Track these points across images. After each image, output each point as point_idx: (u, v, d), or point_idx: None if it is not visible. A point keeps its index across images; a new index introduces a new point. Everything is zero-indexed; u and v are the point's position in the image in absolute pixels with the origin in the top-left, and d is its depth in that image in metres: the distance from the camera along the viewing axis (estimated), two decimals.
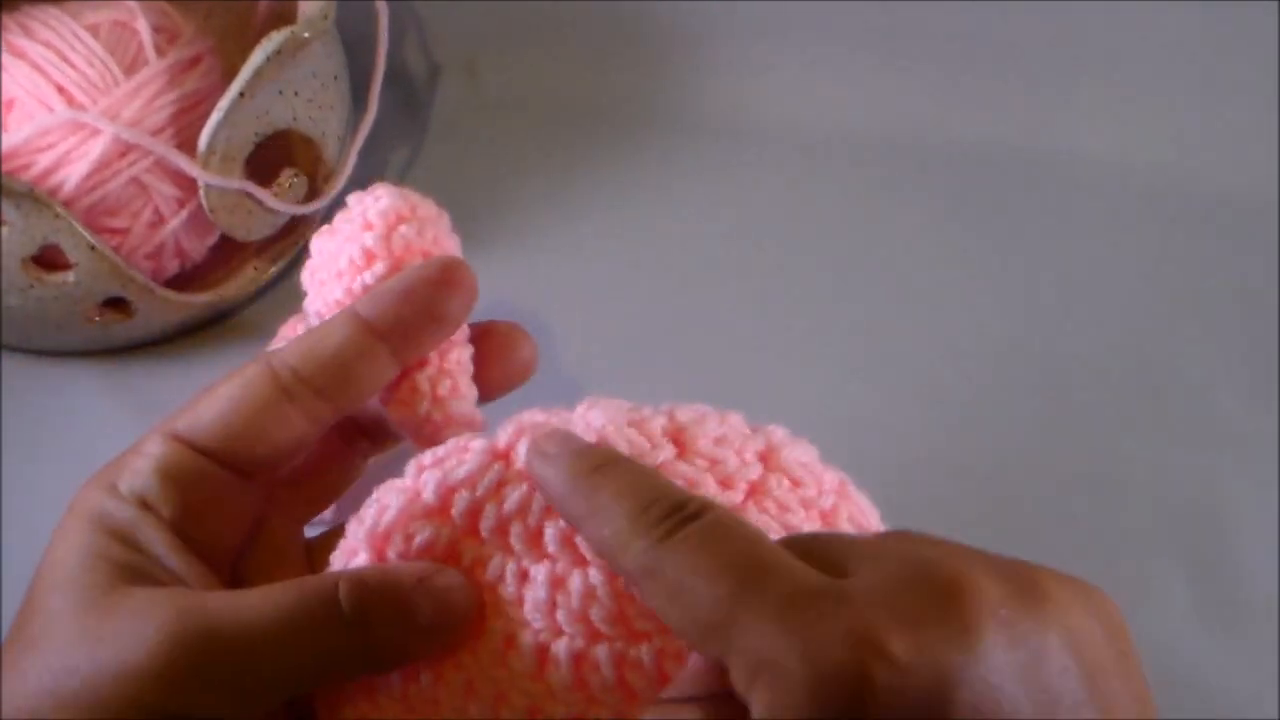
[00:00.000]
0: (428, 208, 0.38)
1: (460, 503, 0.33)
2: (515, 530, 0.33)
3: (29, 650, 0.31)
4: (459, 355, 0.37)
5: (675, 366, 0.52)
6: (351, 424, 0.38)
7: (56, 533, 0.33)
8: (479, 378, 0.38)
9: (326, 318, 0.36)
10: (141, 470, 0.33)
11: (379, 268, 0.36)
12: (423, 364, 0.36)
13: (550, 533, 0.33)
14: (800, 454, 0.35)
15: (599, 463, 0.31)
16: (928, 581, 0.26)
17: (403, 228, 0.37)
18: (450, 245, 0.38)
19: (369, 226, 0.37)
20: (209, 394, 0.34)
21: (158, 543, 0.32)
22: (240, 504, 0.34)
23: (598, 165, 0.60)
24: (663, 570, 0.27)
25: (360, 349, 0.34)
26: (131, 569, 0.32)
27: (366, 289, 0.36)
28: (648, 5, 0.62)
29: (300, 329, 0.47)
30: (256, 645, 0.30)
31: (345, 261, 0.37)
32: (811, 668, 0.25)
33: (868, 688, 0.24)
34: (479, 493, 0.33)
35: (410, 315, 0.34)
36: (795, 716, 0.25)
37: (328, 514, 0.40)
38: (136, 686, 0.30)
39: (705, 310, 0.55)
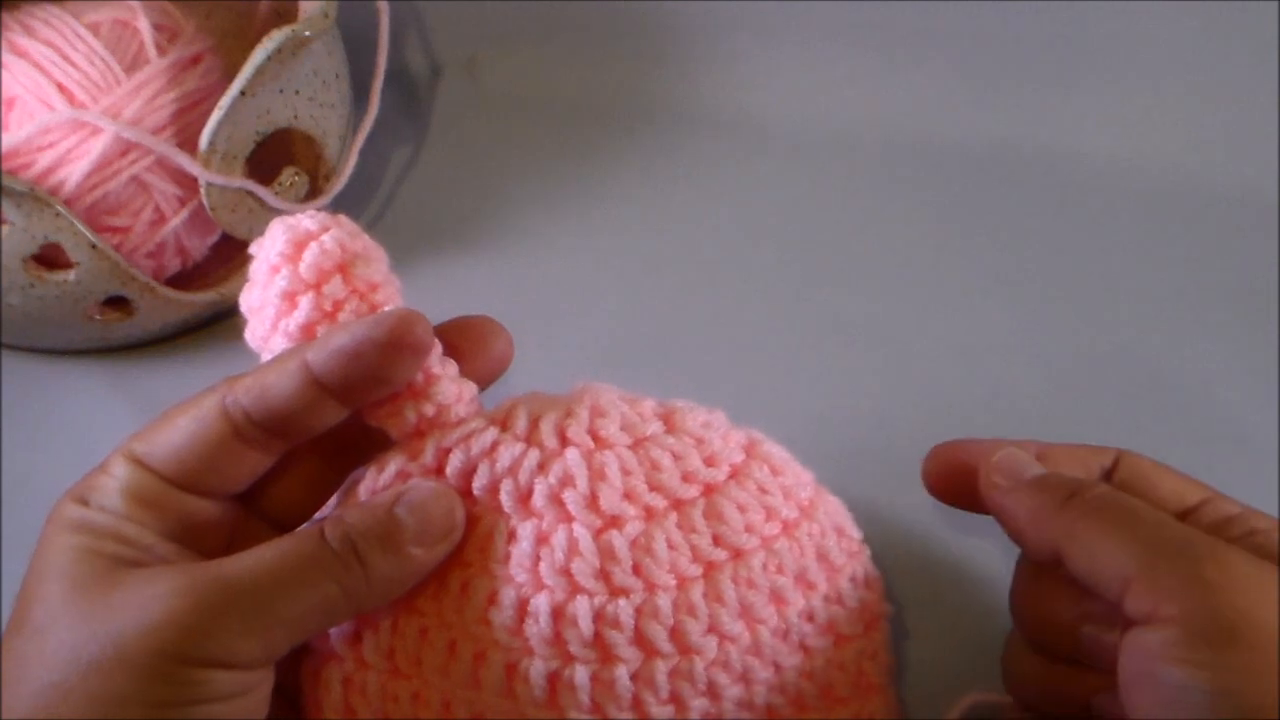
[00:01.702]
0: (323, 221, 0.37)
1: (455, 462, 0.35)
2: (506, 488, 0.35)
3: (36, 637, 0.32)
4: (440, 370, 0.36)
5: (675, 364, 0.52)
6: (335, 442, 0.38)
7: (40, 544, 0.34)
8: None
9: (270, 350, 0.37)
10: (109, 490, 0.34)
11: (304, 304, 0.36)
12: (411, 389, 0.36)
13: (539, 489, 0.34)
14: (780, 450, 0.38)
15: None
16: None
17: (306, 256, 0.36)
18: (361, 246, 0.37)
19: (275, 269, 0.36)
20: (166, 423, 0.35)
21: (145, 536, 0.34)
22: (208, 518, 0.35)
23: (598, 164, 0.60)
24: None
25: (308, 402, 0.34)
26: (126, 558, 0.33)
27: (303, 328, 0.36)
28: (647, 5, 0.62)
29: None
30: (263, 588, 0.32)
31: (272, 310, 0.36)
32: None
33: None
34: (473, 453, 0.35)
35: (357, 377, 0.34)
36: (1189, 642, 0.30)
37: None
38: (157, 638, 0.31)
39: (705, 309, 0.55)
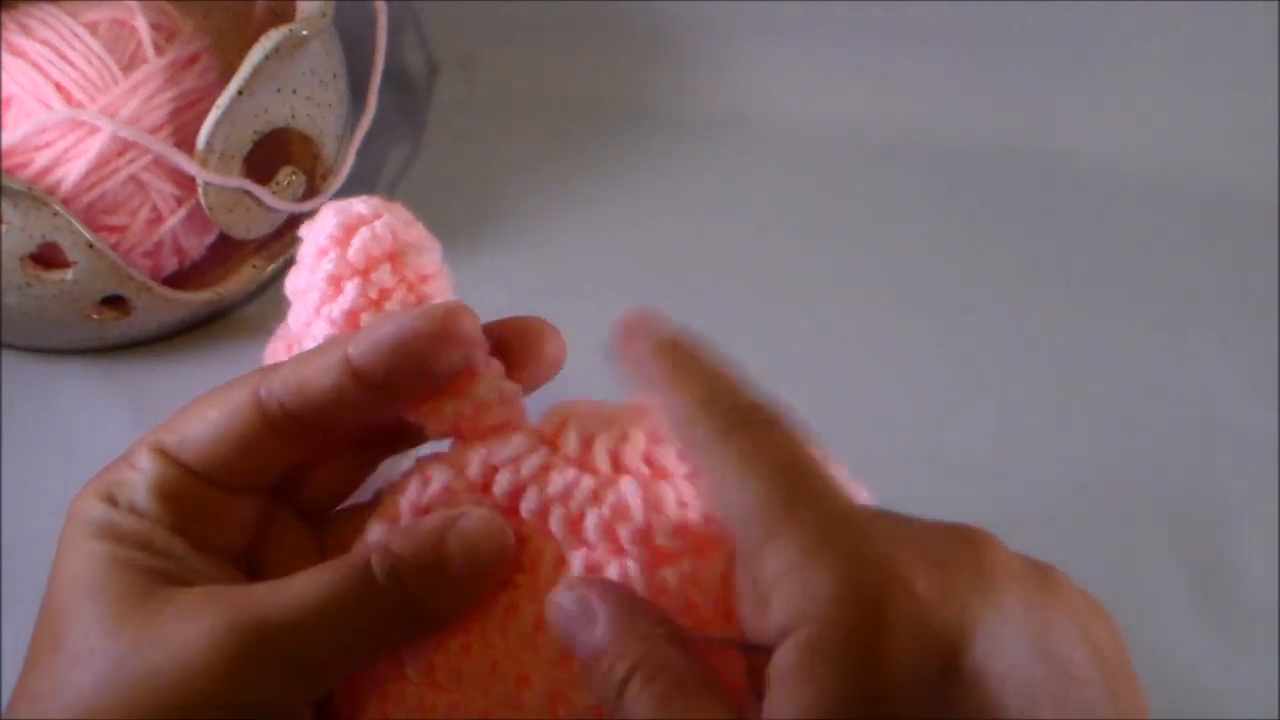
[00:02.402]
0: (376, 207, 0.36)
1: (503, 482, 0.34)
2: (556, 514, 0.33)
3: (73, 664, 0.31)
4: (484, 368, 0.35)
5: None
6: (367, 432, 0.37)
7: (64, 544, 0.33)
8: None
9: (311, 336, 0.35)
10: (137, 486, 0.33)
11: (349, 289, 0.34)
12: (452, 386, 0.34)
13: (591, 520, 0.33)
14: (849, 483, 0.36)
15: (689, 347, 0.33)
16: (955, 535, 0.28)
17: (355, 241, 0.35)
18: (414, 236, 0.36)
19: (322, 252, 0.35)
20: (195, 412, 0.33)
21: (177, 546, 0.32)
22: (238, 511, 0.34)
23: (596, 163, 0.60)
24: (726, 455, 0.29)
25: (347, 396, 0.32)
26: (161, 572, 0.32)
27: (347, 314, 0.34)
28: (647, 4, 0.62)
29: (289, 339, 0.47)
30: (307, 628, 0.31)
31: (316, 295, 0.35)
32: (838, 583, 0.26)
33: (888, 613, 0.26)
34: (522, 474, 0.34)
35: (399, 371, 0.33)
36: (813, 624, 0.26)
37: None
38: (198, 684, 0.30)
39: (704, 307, 0.54)
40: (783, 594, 0.27)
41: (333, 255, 0.34)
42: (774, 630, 0.27)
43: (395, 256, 0.35)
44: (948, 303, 0.55)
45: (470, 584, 0.33)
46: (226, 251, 0.54)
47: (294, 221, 0.54)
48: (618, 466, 0.34)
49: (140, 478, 0.33)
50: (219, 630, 0.30)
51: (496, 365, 0.35)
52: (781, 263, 0.57)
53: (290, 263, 0.54)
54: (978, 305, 0.55)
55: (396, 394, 0.33)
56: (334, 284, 0.34)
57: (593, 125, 0.62)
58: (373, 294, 0.34)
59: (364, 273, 0.34)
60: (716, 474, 0.30)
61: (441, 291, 0.35)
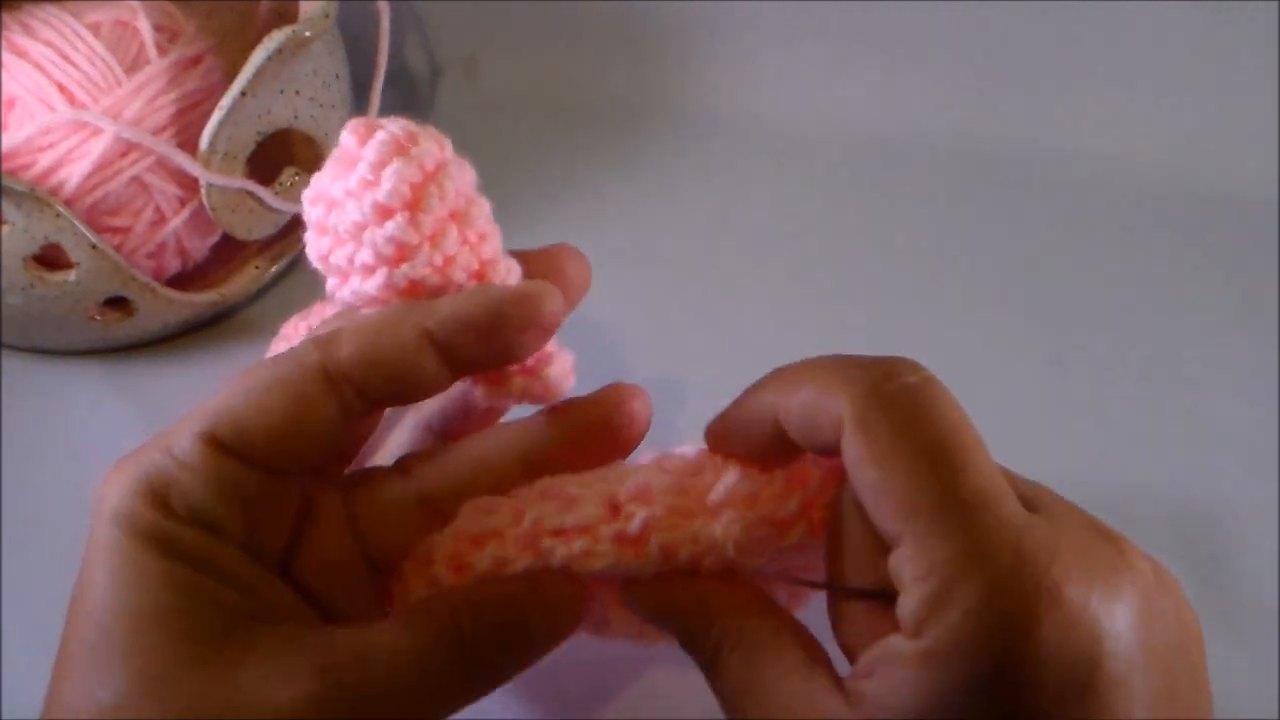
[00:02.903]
0: (434, 152, 0.32)
1: (561, 552, 0.33)
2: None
3: (140, 697, 0.28)
4: (555, 348, 0.34)
5: (674, 363, 0.52)
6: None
7: (111, 552, 0.29)
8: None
9: (360, 292, 0.32)
10: (193, 488, 0.30)
11: (420, 258, 0.32)
12: (522, 364, 0.33)
13: None
14: None
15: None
16: (1101, 536, 0.28)
17: (426, 203, 0.31)
18: (468, 180, 0.33)
19: (386, 213, 0.31)
20: (249, 396, 0.30)
21: (239, 565, 0.30)
22: (290, 497, 0.32)
23: (597, 164, 0.60)
24: (877, 432, 0.28)
25: (427, 373, 0.31)
26: (234, 606, 0.30)
27: (411, 282, 0.32)
28: (647, 5, 0.62)
29: (303, 327, 0.47)
30: (396, 694, 0.30)
31: (371, 254, 0.32)
32: (990, 589, 0.26)
33: (1035, 622, 0.26)
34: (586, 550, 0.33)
35: (484, 354, 0.31)
36: (956, 626, 0.26)
37: None
38: None
39: (705, 307, 0.55)
40: (930, 589, 0.27)
41: (401, 221, 0.31)
42: (909, 619, 0.27)
43: (460, 216, 0.32)
44: (947, 302, 0.55)
45: (546, 649, 0.32)
46: (229, 252, 0.54)
47: (297, 223, 0.54)
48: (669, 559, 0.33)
49: (194, 479, 0.30)
50: (308, 700, 0.28)
51: (565, 355, 0.34)
52: (781, 262, 0.57)
53: (293, 264, 0.55)
54: (977, 305, 0.55)
55: (471, 369, 0.32)
56: (401, 252, 0.32)
57: (594, 126, 0.62)
58: (438, 261, 0.32)
59: (432, 239, 0.32)
60: (866, 451, 0.28)
61: (496, 250, 0.33)
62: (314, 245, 0.33)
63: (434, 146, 0.32)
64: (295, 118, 0.50)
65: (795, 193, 0.60)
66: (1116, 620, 0.27)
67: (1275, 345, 0.54)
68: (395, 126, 0.32)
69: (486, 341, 0.31)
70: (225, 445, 0.30)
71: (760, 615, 0.32)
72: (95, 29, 0.50)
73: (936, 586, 0.27)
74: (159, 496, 0.30)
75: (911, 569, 0.27)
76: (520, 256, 0.35)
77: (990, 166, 0.60)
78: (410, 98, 0.63)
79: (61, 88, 0.49)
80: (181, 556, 0.29)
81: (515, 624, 0.31)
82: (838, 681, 0.29)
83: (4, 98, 0.49)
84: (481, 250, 0.33)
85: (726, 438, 0.33)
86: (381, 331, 0.31)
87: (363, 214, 0.31)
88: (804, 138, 0.61)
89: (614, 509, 0.32)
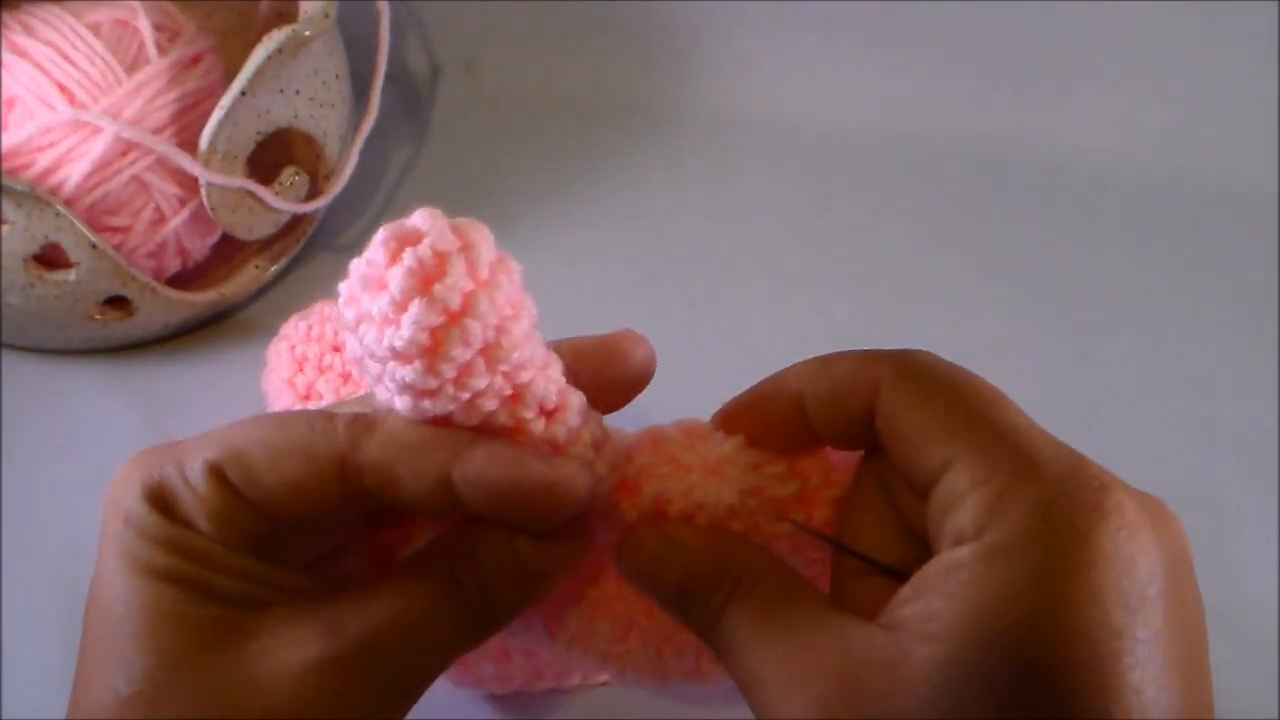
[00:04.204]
0: (460, 283, 0.29)
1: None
2: None
3: (155, 702, 0.29)
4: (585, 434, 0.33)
5: (675, 364, 0.52)
6: None
7: (119, 557, 0.30)
8: (602, 400, 0.34)
9: (391, 405, 0.31)
10: (197, 510, 0.30)
11: (444, 397, 0.30)
12: None
13: None
14: None
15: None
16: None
17: (447, 352, 0.29)
18: (506, 304, 0.30)
19: (406, 360, 0.29)
20: (264, 452, 0.30)
21: (247, 562, 0.31)
22: (302, 534, 0.32)
23: (598, 164, 0.60)
24: (918, 376, 0.30)
25: (436, 505, 0.31)
26: (243, 596, 0.30)
27: (439, 418, 0.30)
28: (647, 5, 0.62)
29: (303, 327, 0.47)
30: (405, 649, 0.30)
31: (397, 386, 0.30)
32: (1050, 483, 0.27)
33: (1098, 520, 0.27)
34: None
35: (499, 516, 0.31)
36: (1017, 515, 0.27)
37: None
38: (305, 717, 0.29)
39: (705, 307, 0.55)
40: (992, 491, 0.27)
41: (419, 368, 0.29)
42: (969, 525, 0.27)
43: (490, 352, 0.30)
44: (946, 301, 0.55)
45: (549, 585, 0.32)
46: (229, 252, 0.54)
47: (297, 222, 0.54)
48: (660, 509, 0.33)
49: (198, 505, 0.30)
50: (318, 662, 0.29)
51: (594, 418, 0.33)
52: (781, 261, 0.57)
53: (293, 264, 0.55)
54: (977, 304, 0.55)
55: (486, 514, 0.31)
56: (422, 395, 0.30)
57: (594, 126, 0.62)
58: (465, 397, 0.30)
59: (456, 382, 0.30)
60: (910, 396, 0.29)
61: (536, 371, 0.31)
62: (349, 344, 0.31)
63: (464, 277, 0.29)
64: (295, 117, 0.50)
65: (795, 193, 0.59)
66: (1169, 544, 0.27)
67: (1275, 345, 0.54)
68: (426, 249, 0.29)
69: (504, 508, 0.31)
70: (231, 484, 0.30)
71: (772, 562, 0.32)
72: (95, 29, 0.50)
73: (999, 487, 0.27)
74: (166, 505, 0.30)
75: (969, 478, 0.28)
76: (578, 347, 0.34)
77: (990, 166, 0.60)
78: (410, 98, 0.63)
79: (61, 87, 0.48)
80: (188, 554, 0.30)
81: (510, 566, 0.31)
82: (866, 619, 0.29)
83: (4, 97, 0.49)
84: (517, 378, 0.31)
85: (739, 419, 0.33)
86: (406, 452, 0.30)
87: (383, 350, 0.29)
88: (804, 138, 0.61)
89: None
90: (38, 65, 0.49)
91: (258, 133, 0.49)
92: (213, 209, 0.50)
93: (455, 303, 0.29)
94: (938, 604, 0.27)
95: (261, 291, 0.55)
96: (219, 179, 0.49)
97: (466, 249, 0.29)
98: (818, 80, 0.62)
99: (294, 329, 0.47)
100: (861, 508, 0.32)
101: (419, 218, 0.30)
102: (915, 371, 0.30)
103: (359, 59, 0.56)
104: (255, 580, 0.31)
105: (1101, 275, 0.57)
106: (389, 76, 0.56)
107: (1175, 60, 0.60)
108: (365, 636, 0.30)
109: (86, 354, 0.52)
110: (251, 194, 0.50)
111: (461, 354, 0.29)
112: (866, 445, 0.32)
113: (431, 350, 0.29)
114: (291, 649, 0.30)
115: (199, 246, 0.52)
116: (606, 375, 0.34)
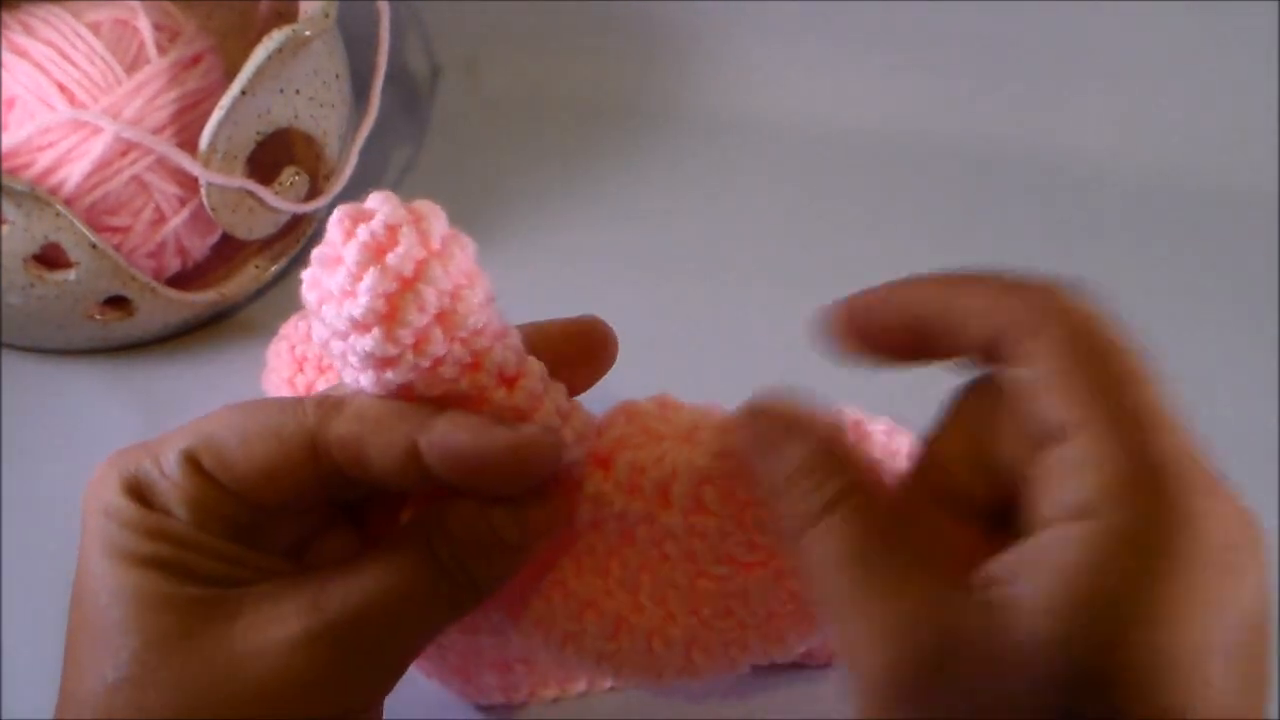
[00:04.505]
0: (414, 251, 0.30)
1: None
2: (608, 528, 0.34)
3: (142, 687, 0.30)
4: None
5: (675, 364, 0.52)
6: None
7: (99, 545, 0.31)
8: (565, 382, 0.34)
9: (356, 383, 0.32)
10: (171, 496, 0.31)
11: (404, 365, 0.30)
12: None
13: (642, 536, 0.34)
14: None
15: None
16: None
17: (403, 318, 0.30)
18: (460, 272, 0.31)
19: (363, 328, 0.30)
20: (237, 436, 0.31)
21: (225, 545, 0.31)
22: (275, 522, 0.32)
23: (598, 164, 0.60)
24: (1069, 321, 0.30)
25: (405, 478, 0.31)
26: (224, 577, 0.31)
27: (401, 387, 0.31)
28: (647, 5, 0.62)
29: (303, 327, 0.47)
30: (388, 622, 0.31)
31: (358, 361, 0.31)
32: (1170, 471, 0.27)
33: (1210, 500, 0.27)
34: (581, 495, 0.34)
35: (467, 483, 0.31)
36: (1121, 512, 0.26)
37: None
38: (290, 693, 0.30)
39: (706, 307, 0.55)
40: (1118, 470, 0.26)
41: (377, 336, 0.30)
42: (1061, 502, 0.27)
43: (446, 318, 0.30)
44: None
45: (525, 555, 0.32)
46: (229, 252, 0.54)
47: (297, 222, 0.54)
48: (665, 502, 0.34)
49: (173, 492, 0.31)
50: (302, 637, 0.30)
51: (560, 393, 0.33)
52: (782, 262, 0.57)
53: (293, 263, 0.55)
54: None
55: (458, 485, 0.32)
56: (382, 364, 0.31)
57: (595, 126, 0.62)
58: (425, 364, 0.31)
59: (415, 348, 0.30)
60: (1055, 346, 0.29)
61: (493, 338, 0.32)
62: (315, 329, 0.32)
63: (413, 243, 0.30)
64: (295, 117, 0.50)
65: (795, 193, 0.60)
66: (1263, 560, 0.27)
67: (1275, 345, 0.54)
68: (378, 222, 0.30)
69: (471, 474, 0.31)
70: (202, 469, 0.31)
71: (889, 491, 0.31)
72: (95, 28, 0.50)
73: (1122, 472, 0.26)
74: (144, 496, 0.31)
75: (1095, 452, 0.27)
76: (543, 330, 0.34)
77: (990, 166, 0.60)
78: (410, 98, 0.63)
79: (61, 87, 0.49)
80: (168, 539, 0.30)
81: (485, 538, 0.31)
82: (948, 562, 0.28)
83: (4, 97, 0.49)
84: (475, 343, 0.31)
85: (852, 317, 0.34)
86: (372, 426, 0.31)
87: (343, 323, 0.30)
88: (804, 138, 0.61)
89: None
90: (37, 65, 0.49)
91: (258, 133, 0.49)
92: (213, 209, 0.50)
93: (408, 270, 0.30)
94: (1044, 583, 0.26)
95: (261, 291, 0.55)
96: (219, 179, 0.49)
97: (418, 222, 0.30)
98: (818, 80, 0.62)
99: (294, 329, 0.47)
100: (952, 429, 0.32)
101: (372, 199, 0.31)
102: (1070, 319, 0.30)
103: (359, 59, 0.56)
104: (236, 563, 0.31)
105: (1101, 275, 0.56)
106: (389, 76, 0.56)
107: (1175, 60, 0.60)
108: (347, 611, 0.30)
109: (86, 354, 0.52)
110: (251, 194, 0.50)
111: (418, 319, 0.30)
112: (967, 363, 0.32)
113: (388, 317, 0.30)
114: (274, 625, 0.30)
115: (199, 246, 0.52)
116: (567, 357, 0.34)
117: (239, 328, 0.54)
